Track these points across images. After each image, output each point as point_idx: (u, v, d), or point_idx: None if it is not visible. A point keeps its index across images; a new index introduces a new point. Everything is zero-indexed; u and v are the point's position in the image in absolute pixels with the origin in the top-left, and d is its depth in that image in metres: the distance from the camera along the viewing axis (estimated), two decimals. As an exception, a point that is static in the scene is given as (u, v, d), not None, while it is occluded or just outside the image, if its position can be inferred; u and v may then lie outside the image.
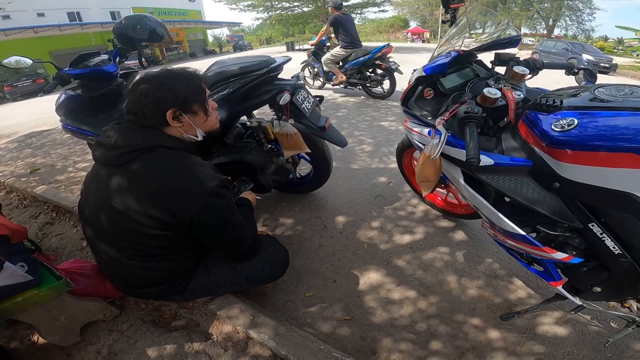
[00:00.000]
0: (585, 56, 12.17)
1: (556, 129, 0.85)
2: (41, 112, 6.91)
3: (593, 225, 0.89)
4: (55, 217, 2.15)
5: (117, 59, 2.00)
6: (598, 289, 1.02)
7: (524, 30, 29.71)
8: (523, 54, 1.36)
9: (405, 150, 1.83)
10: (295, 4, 22.34)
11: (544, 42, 15.65)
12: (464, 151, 1.04)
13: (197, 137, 1.05)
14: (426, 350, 1.22)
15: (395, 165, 2.11)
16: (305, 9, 22.92)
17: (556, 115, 0.88)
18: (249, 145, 1.62)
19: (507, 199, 1.10)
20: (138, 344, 1.19)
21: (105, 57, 1.98)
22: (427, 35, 32.74)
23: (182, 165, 0.96)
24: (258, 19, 25.21)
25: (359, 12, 25.38)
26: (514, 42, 1.24)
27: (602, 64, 12.00)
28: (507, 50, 1.25)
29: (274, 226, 1.96)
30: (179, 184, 0.93)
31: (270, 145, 1.73)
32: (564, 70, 1.30)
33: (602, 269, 0.97)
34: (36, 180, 2.73)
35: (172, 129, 0.99)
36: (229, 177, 1.36)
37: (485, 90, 0.99)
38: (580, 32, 29.15)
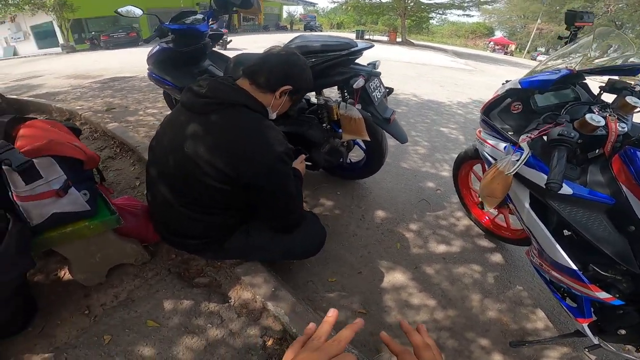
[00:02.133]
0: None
1: None
2: (128, 61, 7.53)
3: None
4: (118, 152, 2.32)
5: (210, 20, 2.11)
6: (623, 332, 1.00)
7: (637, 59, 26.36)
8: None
9: (466, 161, 1.75)
10: (375, -8, 21.68)
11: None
12: (542, 174, 0.97)
13: (273, 115, 1.11)
14: None
15: (446, 173, 2.03)
16: (383, 0, 22.22)
17: None
18: (311, 120, 1.64)
19: (565, 232, 1.05)
20: (158, 294, 1.21)
21: (200, 16, 2.11)
22: (512, 47, 30.26)
23: (258, 126, 1.00)
24: (334, 2, 24.98)
25: (440, 12, 23.99)
26: (635, 70, 1.10)
27: None
28: (623, 79, 1.12)
29: (313, 204, 1.99)
30: (251, 142, 0.96)
31: (329, 126, 1.74)
32: None
33: (637, 314, 0.95)
34: (109, 118, 3.01)
35: (266, 97, 1.05)
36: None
37: (588, 116, 0.91)
38: None
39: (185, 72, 2.06)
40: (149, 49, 2.29)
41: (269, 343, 1.09)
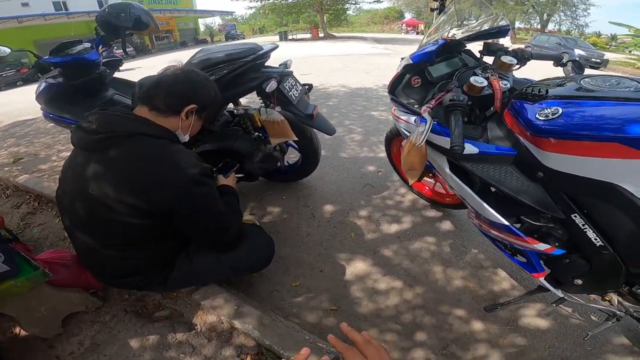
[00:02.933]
0: (577, 51, 12.30)
1: (540, 118, 0.84)
2: (25, 102, 6.74)
3: (576, 217, 0.88)
4: (37, 206, 2.11)
5: (100, 47, 1.96)
6: (579, 282, 1.02)
7: (518, 24, 29.77)
8: (515, 47, 1.35)
9: (394, 139, 1.83)
10: (290, -8, 22.00)
11: (537, 37, 15.70)
12: (447, 139, 1.04)
13: (185, 137, 1.07)
14: (411, 342, 1.23)
15: (384, 154, 2.11)
16: None
17: (541, 104, 0.87)
18: (236, 133, 1.60)
19: (492, 189, 1.09)
20: (120, 335, 1.19)
21: (87, 45, 1.94)
22: (421, 27, 32.58)
23: (164, 152, 0.94)
24: (251, 7, 24.83)
25: (353, 2, 25.03)
26: (503, 32, 1.22)
27: (593, 59, 12.16)
28: (497, 41, 1.24)
29: (261, 214, 1.94)
30: (158, 171, 0.91)
31: (257, 133, 1.70)
32: (552, 62, 1.30)
33: (583, 261, 0.97)
34: (19, 170, 2.68)
35: (171, 120, 1.00)
36: (212, 167, 1.34)
37: (472, 79, 0.98)
38: (574, 27, 29.31)
39: (85, 106, 1.86)
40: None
41: None
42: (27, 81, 2.04)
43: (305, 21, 28.10)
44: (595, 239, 0.87)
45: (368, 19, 43.57)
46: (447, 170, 1.15)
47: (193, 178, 0.93)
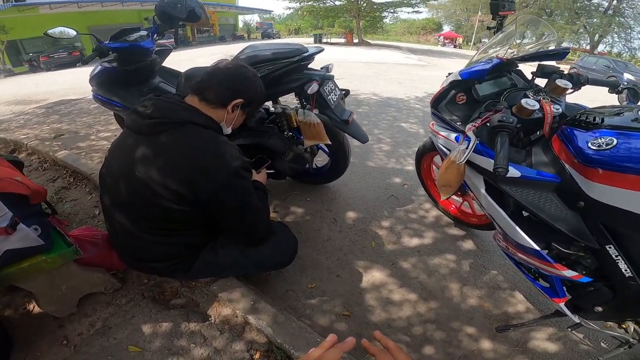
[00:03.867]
0: (626, 75, 11.53)
1: (592, 147, 0.82)
2: (73, 82, 7.09)
3: (610, 247, 0.87)
4: (72, 182, 2.18)
5: (155, 36, 2.04)
6: (600, 309, 1.01)
7: (566, 44, 28.55)
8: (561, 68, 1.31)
9: (426, 154, 1.80)
10: (328, -4, 22.17)
11: (585, 58, 14.87)
12: (491, 160, 1.02)
13: (228, 130, 1.10)
14: (419, 354, 1.22)
15: (411, 167, 2.10)
16: (337, 3, 22.77)
17: (594, 133, 0.85)
18: (271, 130, 1.63)
19: (525, 214, 1.08)
20: (134, 320, 1.18)
21: (144, 33, 2.03)
22: (459, 40, 31.99)
23: (210, 142, 0.97)
24: (289, 8, 25.20)
25: (391, 11, 24.90)
26: (561, 54, 1.19)
27: (643, 85, 11.43)
28: (551, 63, 1.20)
29: (284, 213, 1.96)
30: (204, 159, 0.94)
31: (291, 133, 1.73)
32: (607, 89, 1.25)
33: (607, 290, 0.96)
34: (59, 145, 2.80)
35: (218, 112, 1.03)
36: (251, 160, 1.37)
37: (523, 101, 0.97)
38: (627, 50, 27.72)
39: (133, 91, 1.96)
40: (92, 69, 2.17)
41: (256, 356, 1.09)
42: (86, 63, 2.15)
43: (340, 25, 28.30)
44: (626, 270, 0.86)
45: (404, 28, 43.27)
46: (483, 191, 1.12)
47: (235, 170, 0.96)
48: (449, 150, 1.21)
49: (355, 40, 22.51)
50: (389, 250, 1.71)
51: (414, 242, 1.78)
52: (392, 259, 1.64)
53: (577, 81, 1.14)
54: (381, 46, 19.11)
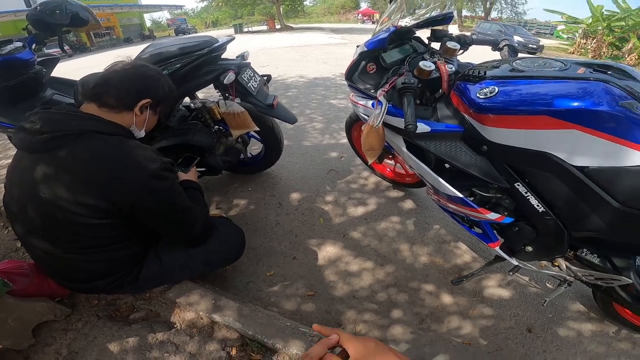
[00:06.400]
0: (516, 38, 13.34)
1: (480, 97, 0.94)
2: None
3: (518, 185, 0.99)
4: None
5: (34, 46, 1.82)
6: (530, 249, 1.13)
7: (465, 12, 31.35)
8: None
9: (354, 124, 1.89)
10: (244, -15, 21.15)
11: (481, 24, 16.74)
12: (402, 119, 1.11)
13: (140, 133, 1.05)
14: (389, 319, 1.30)
15: (346, 140, 2.17)
16: None
17: (481, 85, 0.97)
18: (194, 127, 1.56)
19: (446, 166, 1.19)
20: (97, 340, 1.14)
21: (19, 44, 1.78)
22: (377, 16, 33.20)
23: (118, 149, 0.91)
24: (202, 0, 23.57)
25: (311, -8, 24.79)
26: (448, 19, 1.31)
27: (530, 45, 13.34)
28: (443, 27, 1.32)
29: (227, 208, 1.93)
30: (115, 168, 0.88)
31: (217, 127, 1.68)
32: (491, 47, 1.42)
33: (530, 228, 1.07)
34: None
35: (124, 116, 0.97)
36: (173, 161, 1.31)
37: (421, 63, 1.05)
38: (514, 15, 31.46)
39: (22, 108, 1.72)
40: None
41: (233, 352, 1.08)
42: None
43: (260, 13, 27.30)
44: (538, 206, 0.98)
45: (325, 9, 43.55)
46: (404, 149, 1.22)
47: (153, 172, 0.91)
48: (368, 117, 1.29)
49: (278, 26, 21.95)
50: (338, 223, 1.78)
51: (360, 210, 1.87)
52: (342, 231, 1.72)
53: (464, 42, 1.27)
54: (304, 29, 19.07)
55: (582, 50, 14.99)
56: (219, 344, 1.11)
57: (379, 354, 0.44)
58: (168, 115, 1.55)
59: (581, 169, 0.84)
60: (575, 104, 0.80)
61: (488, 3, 29.05)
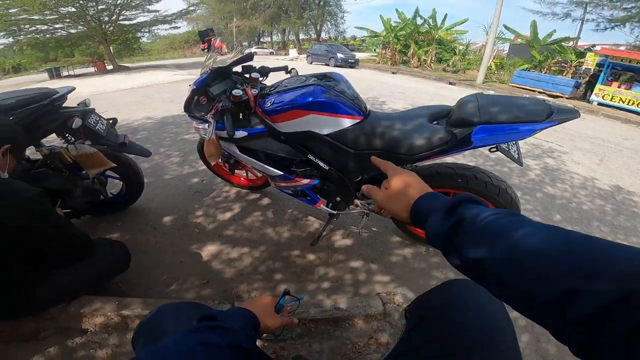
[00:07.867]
0: (339, 55, 16.28)
1: (268, 105, 1.48)
2: None
3: (309, 155, 1.54)
4: None
5: None
6: (339, 199, 1.58)
7: (302, 36, 35.27)
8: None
9: (203, 146, 2.13)
10: (58, 25, 17.31)
11: (313, 46, 19.62)
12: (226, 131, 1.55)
13: (4, 175, 1.08)
14: (274, 282, 1.62)
15: (204, 167, 2.46)
16: (72, 31, 18.14)
17: (267, 98, 1.51)
18: (44, 174, 1.58)
19: (275, 159, 1.58)
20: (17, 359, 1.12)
21: None
22: (224, 48, 33.53)
23: None
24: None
25: (146, 30, 22.88)
26: (250, 57, 1.75)
27: (349, 60, 16.34)
28: (249, 63, 1.74)
29: (100, 246, 1.92)
30: None
31: (67, 172, 1.68)
32: (284, 72, 1.93)
33: (331, 184, 1.53)
34: None
35: None
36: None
37: (233, 91, 1.49)
38: (338, 34, 36.68)
39: None
40: None
41: None
42: None
43: (83, 54, 23.38)
44: (324, 166, 1.53)
45: (166, 45, 41.15)
46: (238, 152, 1.67)
47: (28, 198, 0.97)
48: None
49: (110, 67, 19.18)
50: (212, 228, 2.06)
51: (228, 215, 2.21)
52: (217, 233, 2.01)
53: (263, 72, 1.78)
54: (144, 68, 17.41)
55: (384, 59, 18.08)
56: (139, 332, 1.24)
57: (406, 174, 0.59)
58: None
59: (327, 135, 1.44)
60: (308, 99, 1.39)
61: (318, 26, 33.62)
